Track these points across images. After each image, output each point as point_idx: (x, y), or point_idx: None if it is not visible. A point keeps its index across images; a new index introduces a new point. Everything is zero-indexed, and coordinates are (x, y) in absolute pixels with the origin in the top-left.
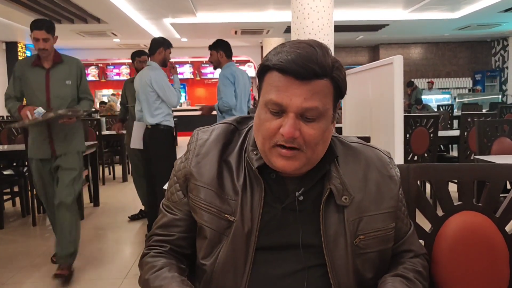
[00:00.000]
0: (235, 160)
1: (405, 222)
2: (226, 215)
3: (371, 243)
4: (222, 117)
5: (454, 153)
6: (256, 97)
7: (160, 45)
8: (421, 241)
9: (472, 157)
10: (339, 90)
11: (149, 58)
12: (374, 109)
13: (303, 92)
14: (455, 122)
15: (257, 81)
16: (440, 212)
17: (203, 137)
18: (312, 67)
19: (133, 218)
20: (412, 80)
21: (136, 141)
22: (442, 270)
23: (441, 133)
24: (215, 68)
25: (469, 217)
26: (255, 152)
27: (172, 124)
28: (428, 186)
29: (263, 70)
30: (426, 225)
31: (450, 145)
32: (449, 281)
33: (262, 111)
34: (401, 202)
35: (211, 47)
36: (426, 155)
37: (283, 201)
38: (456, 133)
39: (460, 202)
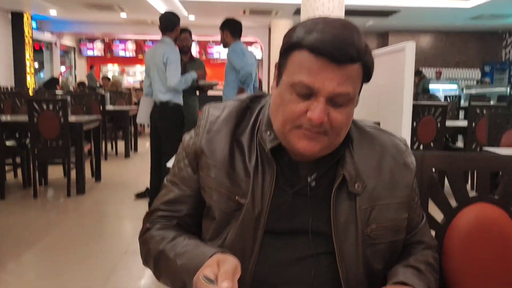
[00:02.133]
0: (247, 140)
1: (418, 213)
2: (236, 197)
3: (382, 233)
4: (233, 93)
5: (459, 144)
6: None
7: (178, 22)
8: (432, 231)
9: (478, 149)
10: (368, 75)
11: (163, 34)
12: (383, 96)
13: (336, 76)
14: (461, 113)
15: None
16: (453, 203)
17: (214, 113)
18: (349, 51)
19: (139, 196)
20: (420, 69)
21: (143, 117)
22: (452, 262)
23: (448, 123)
24: (224, 47)
25: (484, 209)
26: (268, 133)
27: (182, 103)
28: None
29: (291, 48)
30: (437, 216)
31: (456, 136)
32: (460, 274)
33: (287, 91)
34: (415, 192)
35: (220, 26)
36: (432, 144)
37: (295, 185)
38: (464, 123)
39: (475, 194)
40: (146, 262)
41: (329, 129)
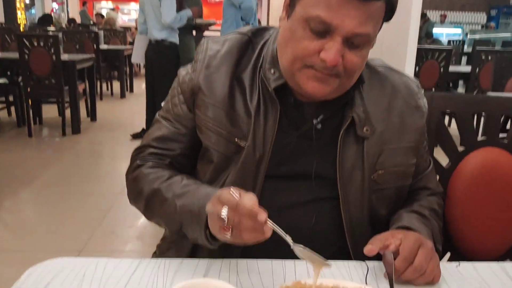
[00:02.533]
0: (248, 78)
1: (425, 158)
2: (236, 139)
3: (389, 179)
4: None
5: (460, 90)
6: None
7: None
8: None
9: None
10: (390, 14)
11: None
12: (386, 38)
13: (358, 14)
14: (464, 59)
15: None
16: (460, 147)
17: (214, 47)
18: None
19: (136, 136)
20: (425, 11)
21: (138, 55)
22: (456, 208)
23: (451, 69)
24: None
25: (492, 153)
26: (272, 71)
27: (178, 42)
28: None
29: None
30: (442, 161)
31: (457, 82)
32: (462, 220)
33: (299, 26)
34: (424, 136)
35: None
36: (434, 90)
37: (299, 128)
38: (466, 69)
39: (483, 137)
40: (135, 201)
41: (342, 71)
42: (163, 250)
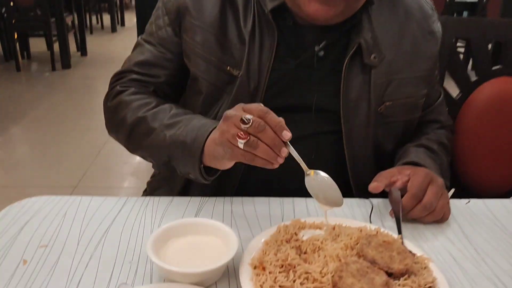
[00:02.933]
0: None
1: (436, 88)
2: (228, 68)
3: (397, 111)
4: None
5: None
6: None
7: None
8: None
9: None
10: None
11: None
12: None
13: None
14: None
15: None
16: (472, 77)
17: None
18: None
19: None
20: None
21: None
22: (465, 141)
23: None
24: None
25: (506, 83)
26: None
27: None
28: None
29: None
30: (453, 92)
31: (462, 13)
32: (471, 154)
33: None
34: (436, 64)
35: None
36: None
37: (299, 55)
38: None
39: (498, 66)
40: (115, 131)
41: None
42: (153, 188)
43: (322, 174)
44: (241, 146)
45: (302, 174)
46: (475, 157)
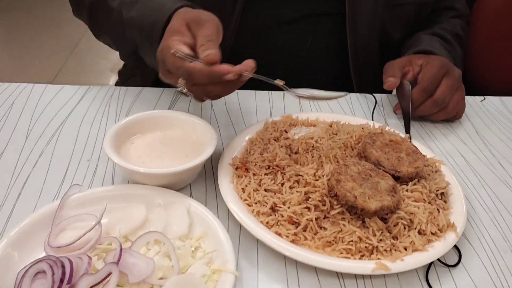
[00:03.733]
0: None
1: None
2: None
3: None
4: None
5: None
6: None
7: None
8: None
9: None
10: None
11: None
12: None
13: None
14: None
15: None
16: None
17: None
18: None
19: None
20: None
21: None
22: (480, 32)
23: None
24: None
25: None
26: None
27: None
28: None
29: None
30: None
31: None
32: (485, 46)
33: None
34: None
35: None
36: None
37: None
38: None
39: None
40: (77, 12)
41: None
42: (124, 78)
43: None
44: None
45: (300, 44)
46: (492, 51)
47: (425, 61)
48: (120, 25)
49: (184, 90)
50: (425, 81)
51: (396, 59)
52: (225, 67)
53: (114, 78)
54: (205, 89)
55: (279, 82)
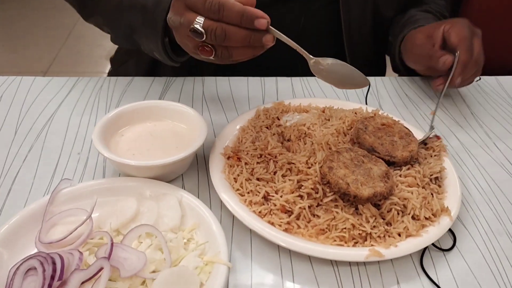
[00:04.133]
0: None
1: None
2: None
3: None
4: None
5: None
6: None
7: None
8: None
9: None
10: None
11: None
12: None
13: None
14: None
15: None
16: None
17: None
18: None
19: None
20: None
21: None
22: (478, 17)
23: None
24: None
25: None
26: None
27: None
28: None
29: None
30: None
31: None
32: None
33: None
34: None
35: None
36: None
37: None
38: None
39: None
40: None
41: None
42: (116, 65)
43: (331, 60)
44: (212, 58)
45: (291, 26)
46: (488, 31)
47: (447, 25)
48: (115, 6)
49: (200, 30)
50: (465, 41)
51: (417, 40)
52: (259, 11)
53: (109, 65)
54: (228, 35)
55: (308, 55)
